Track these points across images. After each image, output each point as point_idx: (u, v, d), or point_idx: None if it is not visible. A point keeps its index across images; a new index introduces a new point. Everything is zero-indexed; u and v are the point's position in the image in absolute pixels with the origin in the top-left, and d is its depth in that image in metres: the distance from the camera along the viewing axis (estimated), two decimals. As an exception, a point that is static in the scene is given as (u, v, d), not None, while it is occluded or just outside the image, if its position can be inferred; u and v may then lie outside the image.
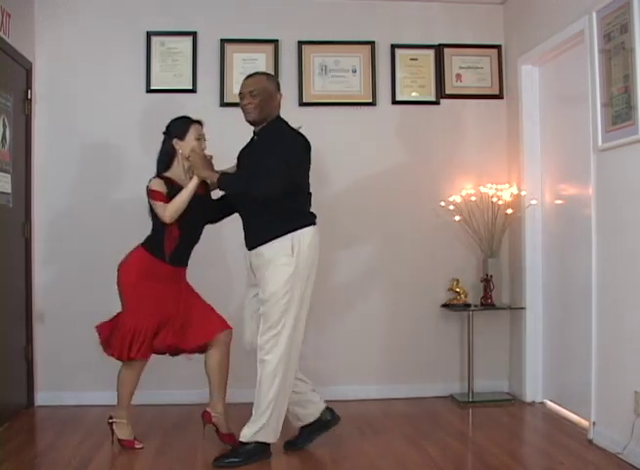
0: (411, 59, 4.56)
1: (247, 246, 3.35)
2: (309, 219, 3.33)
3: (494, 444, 3.48)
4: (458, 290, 4.41)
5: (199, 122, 3.41)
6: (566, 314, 4.04)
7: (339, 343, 4.44)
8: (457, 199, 4.41)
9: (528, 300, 4.32)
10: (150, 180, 3.33)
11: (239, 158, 3.46)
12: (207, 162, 3.33)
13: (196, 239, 3.44)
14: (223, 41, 4.41)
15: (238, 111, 4.33)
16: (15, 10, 3.92)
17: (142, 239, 4.36)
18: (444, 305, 4.46)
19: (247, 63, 4.42)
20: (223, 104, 4.39)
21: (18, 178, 4.04)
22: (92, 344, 4.27)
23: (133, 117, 4.34)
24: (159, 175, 3.35)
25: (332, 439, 3.55)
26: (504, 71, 4.59)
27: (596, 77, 3.39)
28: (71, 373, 4.26)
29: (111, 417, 3.44)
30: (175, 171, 3.37)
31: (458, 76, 4.59)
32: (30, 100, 4.21)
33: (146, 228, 4.22)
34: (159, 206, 3.27)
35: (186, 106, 4.35)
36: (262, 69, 4.38)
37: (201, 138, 3.38)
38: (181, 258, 3.41)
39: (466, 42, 4.58)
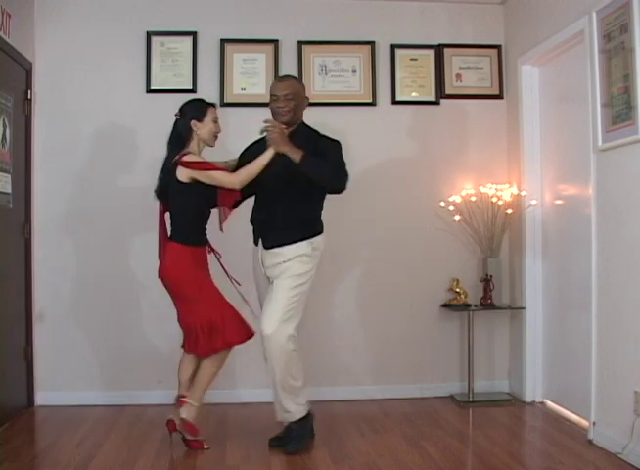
0: (411, 59, 4.56)
1: (264, 244, 3.38)
2: (323, 226, 3.46)
3: (494, 444, 3.48)
4: (458, 290, 4.41)
5: (214, 105, 3.43)
6: (566, 314, 4.04)
7: (338, 343, 4.44)
8: (457, 199, 4.41)
9: (528, 300, 4.32)
10: (179, 157, 3.27)
11: (244, 155, 3.49)
12: (285, 136, 3.26)
13: (210, 215, 3.43)
14: (223, 41, 4.41)
15: (238, 110, 4.37)
16: (15, 10, 3.92)
17: (142, 239, 4.39)
18: (444, 305, 4.46)
19: (247, 63, 4.43)
20: (223, 104, 4.38)
21: (18, 178, 4.04)
22: (92, 344, 4.30)
23: (133, 117, 4.34)
24: (185, 152, 3.30)
25: (332, 439, 3.55)
26: (504, 71, 4.59)
27: (596, 77, 3.39)
28: (71, 373, 4.26)
29: (183, 396, 3.38)
30: (202, 159, 3.34)
31: (458, 76, 4.59)
32: (30, 100, 4.21)
33: (146, 228, 4.23)
34: (216, 174, 3.24)
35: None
36: (262, 69, 4.41)
37: (217, 120, 3.39)
38: (205, 234, 3.41)
39: (466, 42, 4.58)
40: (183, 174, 3.26)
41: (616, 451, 3.22)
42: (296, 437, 3.38)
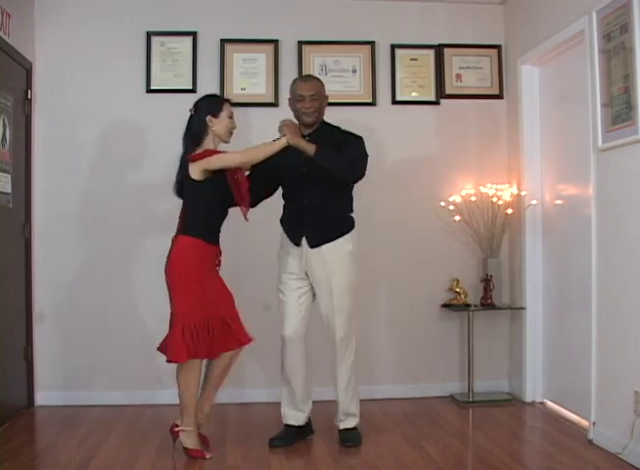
0: (411, 59, 4.56)
1: (310, 243, 3.42)
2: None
3: (494, 444, 3.48)
4: (458, 290, 4.40)
5: (229, 101, 3.43)
6: (566, 314, 4.04)
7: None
8: (457, 199, 4.41)
9: (528, 300, 4.32)
10: (188, 154, 3.27)
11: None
12: (299, 132, 3.36)
13: (225, 215, 3.38)
14: (223, 41, 4.41)
15: (238, 111, 4.34)
16: (15, 10, 3.92)
17: (142, 238, 4.39)
18: (444, 305, 4.45)
19: (247, 63, 4.43)
20: (223, 104, 4.38)
21: (18, 178, 4.04)
22: (92, 344, 4.30)
23: (133, 117, 4.34)
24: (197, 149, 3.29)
25: (332, 438, 3.55)
26: (504, 71, 4.59)
27: (596, 77, 3.39)
28: (71, 373, 4.26)
29: (176, 425, 3.29)
30: (206, 148, 3.31)
31: (458, 76, 4.59)
32: (30, 100, 4.21)
33: (146, 227, 4.24)
34: (221, 155, 3.24)
35: (186, 106, 4.36)
36: (263, 69, 4.41)
37: (232, 116, 3.38)
38: (218, 234, 3.35)
39: (466, 42, 4.58)
40: (194, 170, 3.24)
41: (616, 451, 3.22)
42: (358, 436, 3.52)
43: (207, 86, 4.39)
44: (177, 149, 4.42)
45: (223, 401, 4.18)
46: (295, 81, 3.56)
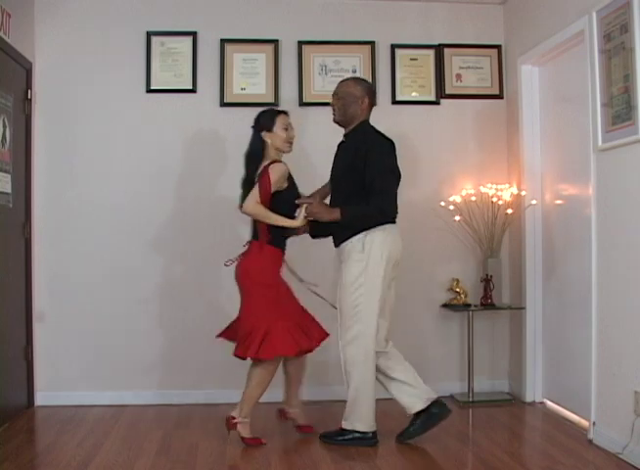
0: (411, 59, 4.56)
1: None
2: None
3: (494, 444, 3.48)
4: (458, 290, 4.40)
5: (284, 113, 3.52)
6: (566, 314, 4.04)
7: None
8: (457, 199, 4.41)
9: (528, 300, 4.32)
10: (263, 168, 3.39)
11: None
12: (323, 206, 3.46)
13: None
14: (223, 41, 4.41)
15: (238, 111, 4.37)
16: (15, 10, 3.92)
17: (142, 238, 4.38)
18: (444, 305, 4.45)
19: (247, 63, 4.43)
20: (223, 104, 4.39)
21: (18, 178, 4.04)
22: (92, 344, 4.30)
23: (133, 117, 4.34)
24: (271, 162, 3.41)
25: (332, 439, 3.55)
26: (504, 71, 4.59)
27: (596, 77, 3.39)
28: (71, 373, 4.26)
29: (233, 418, 3.43)
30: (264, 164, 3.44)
31: (458, 76, 4.59)
32: (30, 100, 4.21)
33: (145, 227, 4.23)
34: (253, 191, 3.34)
35: (186, 106, 4.37)
36: (262, 69, 4.41)
37: (288, 127, 3.48)
38: (285, 241, 3.53)
39: (466, 42, 4.58)
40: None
41: (616, 451, 3.22)
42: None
43: (207, 86, 4.39)
44: (176, 148, 4.44)
45: (224, 401, 4.18)
46: None
